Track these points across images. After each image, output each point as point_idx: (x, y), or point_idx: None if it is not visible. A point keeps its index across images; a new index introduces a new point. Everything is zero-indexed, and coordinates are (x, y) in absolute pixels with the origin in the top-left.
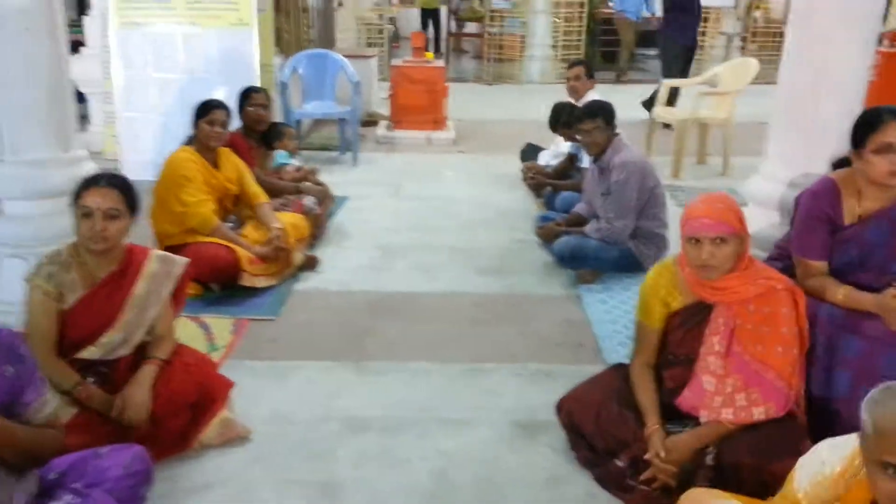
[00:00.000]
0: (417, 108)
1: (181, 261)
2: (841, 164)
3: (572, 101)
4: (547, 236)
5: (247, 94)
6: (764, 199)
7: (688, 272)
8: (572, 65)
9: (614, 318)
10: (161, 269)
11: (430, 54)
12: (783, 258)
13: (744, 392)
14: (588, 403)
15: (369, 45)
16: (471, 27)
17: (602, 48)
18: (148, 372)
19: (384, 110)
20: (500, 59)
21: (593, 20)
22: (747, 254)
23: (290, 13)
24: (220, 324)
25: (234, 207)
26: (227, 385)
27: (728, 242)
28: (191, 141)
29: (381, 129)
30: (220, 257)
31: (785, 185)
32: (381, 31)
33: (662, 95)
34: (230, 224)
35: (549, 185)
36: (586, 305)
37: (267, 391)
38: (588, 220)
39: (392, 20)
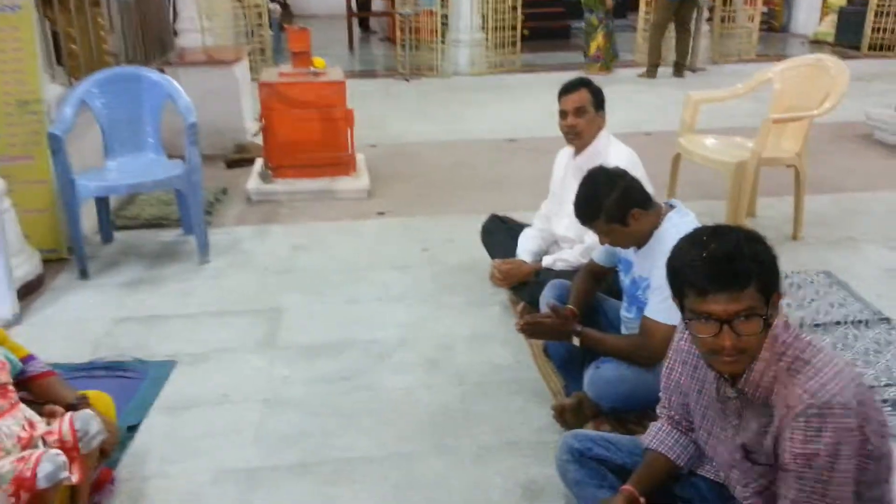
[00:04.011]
0: (307, 146)
1: None
2: None
3: (572, 148)
4: None
5: None
6: None
7: None
8: (571, 87)
9: None
10: None
11: (320, 61)
12: None
13: None
14: None
15: (249, 35)
16: (378, 4)
17: (531, 22)
18: None
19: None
20: (417, 45)
21: None
22: None
23: (71, 10)
24: None
25: None
26: None
27: None
28: None
29: (253, 182)
30: None
31: None
32: (259, 15)
33: (688, 117)
34: None
35: (573, 336)
36: None
37: None
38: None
39: None
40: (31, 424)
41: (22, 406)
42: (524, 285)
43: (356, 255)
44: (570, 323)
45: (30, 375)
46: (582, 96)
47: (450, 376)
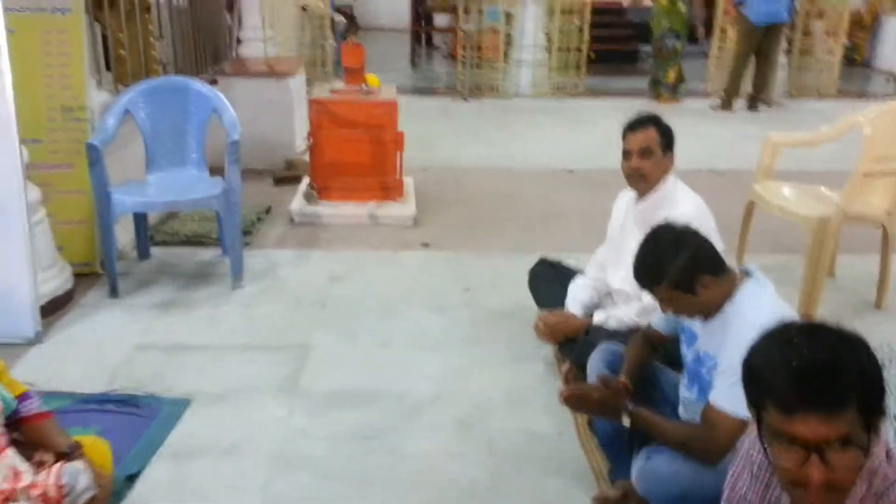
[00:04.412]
0: (354, 168)
1: None
2: None
3: (635, 192)
4: None
5: None
6: None
7: None
8: (637, 125)
9: None
10: None
11: (374, 79)
12: None
13: None
14: None
15: (313, 46)
16: (441, 19)
17: (598, 44)
18: None
19: None
20: (478, 63)
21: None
22: None
23: (122, 14)
24: None
25: None
26: None
27: None
28: None
29: (297, 202)
30: None
31: None
32: (322, 27)
33: (766, 161)
34: None
35: (622, 414)
36: None
37: None
38: None
39: (346, 9)
40: (16, 475)
41: (9, 453)
42: (572, 342)
43: (394, 290)
44: (621, 398)
45: (23, 416)
46: (649, 135)
47: (482, 444)
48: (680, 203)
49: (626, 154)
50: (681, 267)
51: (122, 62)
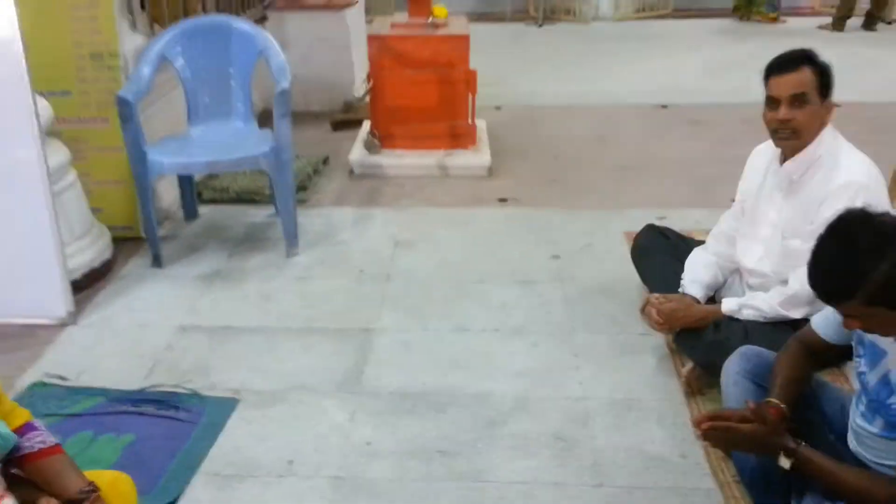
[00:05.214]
0: (420, 112)
1: None
2: None
3: (781, 155)
4: None
5: None
6: None
7: None
8: (786, 64)
9: None
10: None
11: (442, 10)
12: None
13: None
14: None
15: None
16: None
17: None
18: None
19: None
20: None
21: None
22: None
23: None
24: None
25: None
26: None
27: None
28: None
29: (357, 151)
30: None
31: None
32: None
33: None
34: None
35: (780, 454)
36: None
37: None
38: None
39: None
40: None
41: (8, 502)
42: (692, 335)
43: (470, 258)
44: (779, 433)
45: (26, 454)
46: (803, 78)
47: (584, 469)
48: (843, 166)
49: (772, 102)
50: (884, 277)
51: (158, 0)
